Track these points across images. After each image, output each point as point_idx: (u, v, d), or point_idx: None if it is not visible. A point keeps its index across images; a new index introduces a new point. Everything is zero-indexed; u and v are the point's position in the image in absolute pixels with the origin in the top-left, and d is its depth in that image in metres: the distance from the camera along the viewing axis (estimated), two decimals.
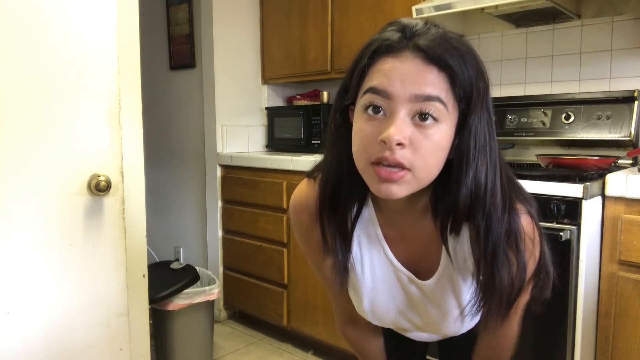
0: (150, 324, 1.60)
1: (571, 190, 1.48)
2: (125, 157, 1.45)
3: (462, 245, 0.79)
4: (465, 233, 0.78)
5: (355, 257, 0.85)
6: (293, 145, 2.82)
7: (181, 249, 3.22)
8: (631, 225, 1.45)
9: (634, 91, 1.89)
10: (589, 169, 1.72)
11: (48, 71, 1.28)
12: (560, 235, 1.47)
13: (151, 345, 1.67)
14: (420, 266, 0.85)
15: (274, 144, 2.96)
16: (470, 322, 0.88)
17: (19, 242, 1.27)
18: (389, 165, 0.67)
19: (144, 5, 2.02)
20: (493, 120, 0.74)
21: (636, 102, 1.89)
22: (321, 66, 2.66)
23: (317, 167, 0.86)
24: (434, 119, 0.67)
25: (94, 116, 1.38)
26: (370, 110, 0.69)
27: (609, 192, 1.49)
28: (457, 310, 0.84)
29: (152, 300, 2.01)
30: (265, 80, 3.02)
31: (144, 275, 1.53)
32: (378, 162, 0.68)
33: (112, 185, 1.40)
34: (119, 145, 1.43)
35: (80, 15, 1.33)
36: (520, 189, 0.81)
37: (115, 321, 1.47)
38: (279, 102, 3.15)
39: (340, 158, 0.77)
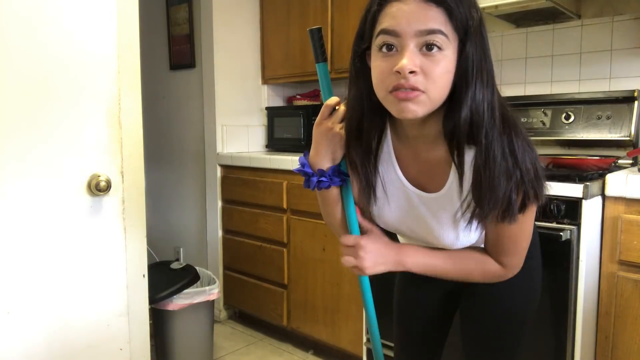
0: (150, 324, 1.60)
1: (571, 190, 1.48)
2: (125, 157, 1.45)
3: (466, 166, 0.89)
4: (469, 157, 0.88)
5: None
6: (293, 145, 2.82)
7: (181, 249, 3.21)
8: (631, 225, 1.45)
9: (634, 91, 1.89)
10: (589, 169, 1.72)
11: (48, 71, 1.28)
12: (560, 235, 1.47)
13: (151, 345, 1.67)
14: (427, 185, 0.97)
15: (274, 144, 2.96)
16: (465, 237, 0.98)
17: (19, 242, 1.27)
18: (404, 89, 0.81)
19: (144, 5, 2.02)
20: (488, 46, 0.85)
21: (636, 102, 1.89)
22: None
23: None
24: (439, 47, 0.80)
25: (94, 116, 1.38)
26: (384, 49, 0.83)
27: (609, 192, 1.49)
28: (453, 223, 0.96)
29: (152, 300, 2.01)
30: (265, 80, 3.02)
31: (144, 275, 1.53)
32: (396, 89, 0.81)
33: (112, 185, 1.40)
34: (119, 145, 1.43)
35: (80, 15, 1.33)
36: (516, 123, 0.90)
37: (115, 321, 1.47)
38: (279, 102, 3.15)
39: (362, 95, 0.91)
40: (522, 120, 2.16)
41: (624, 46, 1.99)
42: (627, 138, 1.88)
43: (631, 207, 1.46)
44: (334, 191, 1.02)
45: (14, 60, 1.23)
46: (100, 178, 1.37)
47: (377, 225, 1.05)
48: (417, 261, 1.00)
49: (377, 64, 0.84)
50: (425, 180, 0.97)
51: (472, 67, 0.82)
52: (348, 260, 0.99)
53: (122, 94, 1.43)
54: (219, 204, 2.86)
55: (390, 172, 1.00)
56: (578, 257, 1.48)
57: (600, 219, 1.52)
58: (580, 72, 2.11)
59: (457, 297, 1.20)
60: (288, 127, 2.85)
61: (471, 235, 0.98)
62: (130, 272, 1.49)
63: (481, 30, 0.83)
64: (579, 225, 1.48)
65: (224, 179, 2.84)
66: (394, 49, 0.82)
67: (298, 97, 3.03)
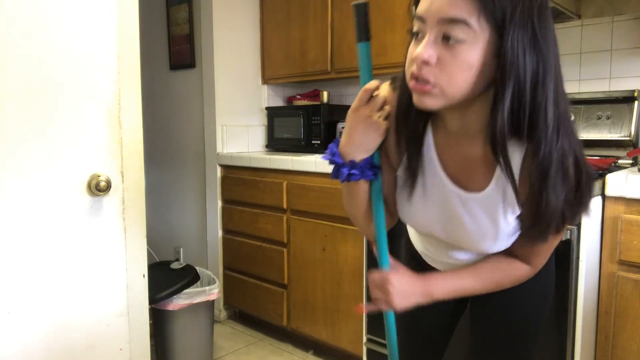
0: (150, 324, 1.60)
1: None
2: (125, 157, 1.45)
3: (513, 166, 0.81)
4: (517, 159, 0.82)
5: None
6: (293, 145, 2.82)
7: (181, 249, 3.22)
8: (631, 225, 1.45)
9: (634, 91, 1.89)
10: None
11: (48, 71, 1.28)
12: None
13: (151, 345, 1.67)
14: (466, 183, 0.90)
15: (274, 144, 2.96)
16: (503, 242, 0.92)
17: (19, 242, 1.27)
18: (419, 80, 0.77)
19: (144, 5, 2.02)
20: (542, 40, 0.77)
21: (636, 102, 1.89)
22: (321, 66, 2.66)
23: (398, 77, 0.91)
24: (459, 40, 0.73)
25: (94, 116, 1.38)
26: (416, 34, 0.79)
27: (609, 192, 1.49)
28: (493, 227, 0.89)
29: (152, 300, 2.01)
30: (265, 80, 3.02)
31: (144, 275, 1.53)
32: (413, 78, 0.77)
33: (112, 185, 1.40)
34: (119, 145, 1.43)
35: (80, 15, 1.33)
36: (573, 133, 0.82)
37: (115, 321, 1.47)
38: (279, 102, 3.15)
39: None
40: None
41: (624, 46, 1.99)
42: (627, 138, 1.88)
43: (631, 207, 1.46)
44: (363, 185, 0.95)
45: (14, 60, 1.23)
46: (100, 178, 1.37)
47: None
48: (446, 289, 0.96)
49: (409, 49, 0.81)
50: (464, 179, 0.90)
51: (509, 64, 0.73)
52: (377, 298, 0.96)
53: (122, 94, 1.43)
54: (219, 204, 2.86)
55: (430, 166, 0.93)
56: (578, 257, 1.48)
57: (600, 219, 1.52)
58: (580, 72, 2.11)
59: (465, 301, 1.19)
60: (288, 127, 2.85)
61: (509, 241, 0.92)
62: (130, 272, 1.49)
63: (529, 21, 0.74)
64: (579, 225, 1.48)
65: (224, 179, 2.84)
66: (421, 35, 0.78)
67: (298, 97, 3.03)
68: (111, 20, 1.39)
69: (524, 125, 0.76)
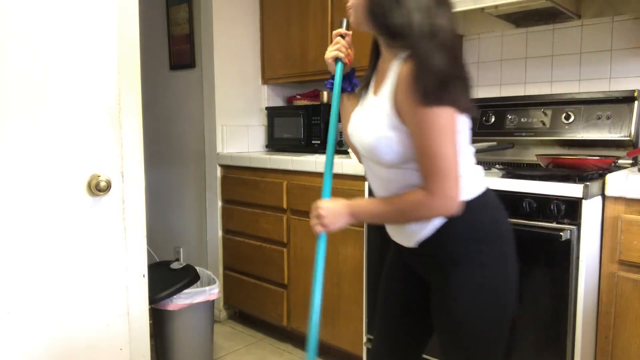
0: (150, 324, 1.60)
1: (571, 190, 1.48)
2: (125, 157, 1.45)
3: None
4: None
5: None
6: (293, 145, 2.82)
7: (181, 249, 3.22)
8: (631, 225, 1.45)
9: (634, 91, 1.89)
10: (589, 169, 1.72)
11: (48, 71, 1.28)
12: (560, 235, 1.47)
13: (151, 345, 1.67)
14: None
15: (274, 144, 2.96)
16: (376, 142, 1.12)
17: (19, 241, 1.27)
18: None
19: (144, 5, 2.02)
20: None
21: (636, 102, 1.89)
22: (321, 66, 2.66)
23: None
24: None
25: (94, 116, 1.38)
26: None
27: (609, 192, 1.49)
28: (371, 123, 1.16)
29: (152, 300, 2.01)
30: (265, 80, 3.02)
31: (143, 275, 1.53)
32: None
33: (112, 185, 1.40)
34: (119, 145, 1.43)
35: (80, 15, 1.33)
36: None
37: (115, 321, 1.47)
38: (279, 102, 3.15)
39: None
40: (522, 120, 2.16)
41: (624, 46, 1.99)
42: (627, 138, 1.88)
43: (631, 207, 1.46)
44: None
45: (14, 60, 1.23)
46: (100, 178, 1.37)
47: None
48: (366, 210, 1.17)
49: None
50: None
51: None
52: (313, 224, 1.18)
53: (122, 94, 1.43)
54: (219, 204, 2.86)
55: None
56: (578, 257, 1.48)
57: (600, 219, 1.52)
58: (580, 72, 2.11)
59: (427, 292, 1.20)
60: (288, 127, 2.85)
61: (385, 147, 1.08)
62: (130, 272, 1.49)
63: None
64: (579, 225, 1.48)
65: (224, 179, 2.84)
66: None
67: (298, 97, 3.03)
68: (111, 20, 1.39)
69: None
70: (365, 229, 2.03)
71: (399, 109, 1.04)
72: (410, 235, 1.14)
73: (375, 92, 1.14)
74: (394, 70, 1.06)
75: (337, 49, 1.29)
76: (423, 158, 1.02)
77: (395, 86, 1.04)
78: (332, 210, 1.16)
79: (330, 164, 1.27)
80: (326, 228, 1.17)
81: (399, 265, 1.29)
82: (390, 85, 1.06)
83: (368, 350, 2.06)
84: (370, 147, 1.10)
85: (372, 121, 1.10)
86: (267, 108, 3.01)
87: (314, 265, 1.20)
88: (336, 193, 2.31)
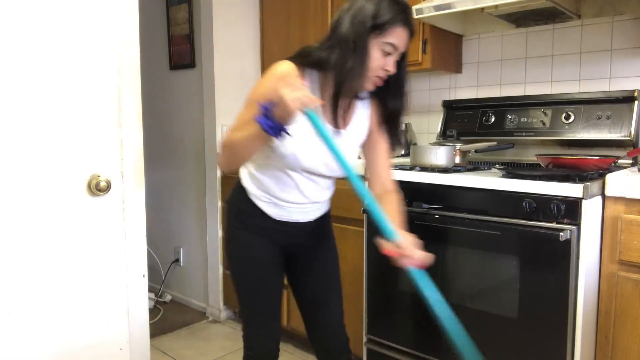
0: (149, 323, 1.60)
1: (571, 190, 1.48)
2: (125, 157, 1.45)
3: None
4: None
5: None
6: None
7: (181, 249, 3.22)
8: (631, 225, 1.45)
9: (634, 91, 1.89)
10: (589, 169, 1.72)
11: (48, 71, 1.28)
12: (560, 235, 1.47)
13: (151, 345, 1.67)
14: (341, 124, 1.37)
15: None
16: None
17: (18, 241, 1.27)
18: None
19: (144, 5, 2.02)
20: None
21: (636, 102, 1.89)
22: None
23: (304, 55, 1.35)
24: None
25: (94, 116, 1.38)
26: (386, 51, 1.24)
27: (609, 192, 1.49)
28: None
29: None
30: None
31: (143, 275, 1.53)
32: (378, 76, 1.27)
33: (112, 185, 1.40)
34: (119, 145, 1.43)
35: (80, 15, 1.33)
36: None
37: (115, 321, 1.47)
38: None
39: (342, 62, 1.24)
40: (522, 120, 2.16)
41: (624, 46, 1.99)
42: (627, 138, 1.88)
43: (631, 207, 1.46)
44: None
45: (14, 60, 1.23)
46: (100, 178, 1.37)
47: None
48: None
49: (377, 57, 1.24)
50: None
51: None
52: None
53: (122, 94, 1.43)
54: (219, 204, 2.86)
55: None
56: (578, 257, 1.48)
57: (600, 219, 1.52)
58: (580, 72, 2.11)
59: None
60: None
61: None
62: (130, 272, 1.49)
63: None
64: (579, 225, 1.48)
65: (224, 179, 2.83)
66: (389, 55, 1.25)
67: None
68: (111, 20, 1.39)
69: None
70: (365, 229, 2.03)
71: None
72: (320, 209, 1.49)
73: (343, 127, 1.36)
74: (363, 107, 1.40)
75: (303, 97, 1.09)
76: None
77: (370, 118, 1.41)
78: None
79: (372, 204, 1.20)
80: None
81: (276, 252, 1.48)
82: (365, 119, 1.40)
83: (368, 350, 2.06)
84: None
85: (354, 149, 1.40)
86: None
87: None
88: (340, 194, 2.31)
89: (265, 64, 2.98)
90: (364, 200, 1.22)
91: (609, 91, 1.99)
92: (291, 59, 1.33)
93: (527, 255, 1.58)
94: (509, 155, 2.22)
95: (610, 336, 1.53)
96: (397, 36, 1.23)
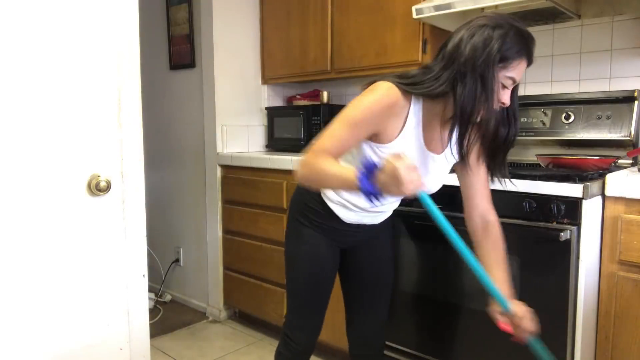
0: (149, 324, 1.60)
1: (571, 190, 1.48)
2: (125, 157, 1.45)
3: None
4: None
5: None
6: (293, 145, 2.82)
7: (181, 249, 3.22)
8: (631, 225, 1.45)
9: (634, 91, 1.89)
10: (589, 169, 1.72)
11: (48, 71, 1.28)
12: (560, 235, 1.47)
13: (151, 345, 1.67)
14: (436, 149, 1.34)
15: (274, 144, 2.96)
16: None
17: (18, 241, 1.27)
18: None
19: (144, 5, 2.02)
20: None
21: (636, 102, 1.89)
22: (321, 66, 2.66)
23: (414, 83, 1.21)
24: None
25: (94, 116, 1.38)
26: (506, 85, 1.19)
27: (609, 192, 1.49)
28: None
29: None
30: (265, 80, 3.02)
31: (143, 275, 1.53)
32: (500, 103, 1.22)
33: (112, 185, 1.40)
34: (119, 145, 1.43)
35: (80, 15, 1.33)
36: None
37: (115, 321, 1.47)
38: (278, 102, 3.15)
39: (470, 97, 1.16)
40: (522, 120, 2.16)
41: (624, 46, 1.99)
42: (627, 138, 1.88)
43: (631, 207, 1.46)
44: None
45: (14, 60, 1.23)
46: (100, 178, 1.37)
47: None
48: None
49: (497, 91, 1.18)
50: (434, 146, 1.34)
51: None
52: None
53: (122, 94, 1.43)
54: (219, 204, 2.86)
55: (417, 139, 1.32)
56: (578, 257, 1.48)
57: (600, 219, 1.52)
58: (580, 72, 2.11)
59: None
60: (288, 127, 2.85)
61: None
62: (130, 272, 1.49)
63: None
64: (579, 225, 1.48)
65: (224, 179, 2.84)
66: (505, 88, 1.19)
67: (298, 97, 3.03)
68: (111, 20, 1.39)
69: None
70: None
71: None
72: (387, 213, 1.53)
73: (440, 151, 1.33)
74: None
75: (418, 181, 1.07)
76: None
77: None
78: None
79: (482, 273, 1.20)
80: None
81: (337, 252, 1.54)
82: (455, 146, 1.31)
83: None
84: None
85: (446, 173, 1.39)
86: (267, 108, 3.01)
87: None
88: None
89: (265, 64, 2.98)
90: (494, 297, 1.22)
91: (609, 91, 1.99)
92: (395, 82, 1.21)
93: (527, 255, 1.58)
94: (509, 155, 2.22)
95: (610, 336, 1.53)
96: (519, 70, 1.17)
